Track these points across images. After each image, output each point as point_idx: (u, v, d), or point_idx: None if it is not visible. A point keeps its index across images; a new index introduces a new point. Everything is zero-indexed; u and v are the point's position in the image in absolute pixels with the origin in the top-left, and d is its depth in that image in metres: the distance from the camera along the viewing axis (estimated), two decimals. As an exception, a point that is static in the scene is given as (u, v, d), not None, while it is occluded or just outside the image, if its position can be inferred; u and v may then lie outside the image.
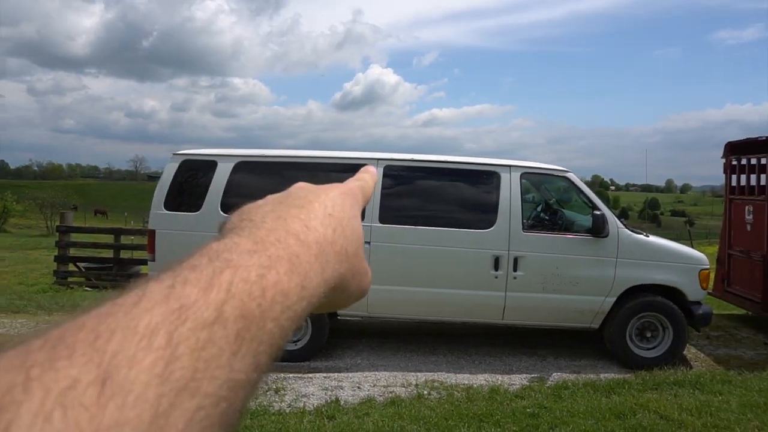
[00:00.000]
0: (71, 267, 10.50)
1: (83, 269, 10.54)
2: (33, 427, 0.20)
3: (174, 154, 5.82)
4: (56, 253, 10.39)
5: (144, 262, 8.63)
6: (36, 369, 0.22)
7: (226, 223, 0.37)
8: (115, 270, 10.42)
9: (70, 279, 10.27)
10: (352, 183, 0.47)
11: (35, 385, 0.21)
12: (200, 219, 5.52)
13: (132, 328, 0.25)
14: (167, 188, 5.63)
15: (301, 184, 0.45)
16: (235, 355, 0.27)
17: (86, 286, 10.01)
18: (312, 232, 0.36)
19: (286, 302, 0.31)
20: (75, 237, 10.75)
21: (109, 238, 10.78)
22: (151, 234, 5.60)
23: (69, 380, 0.22)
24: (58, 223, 10.62)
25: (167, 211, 5.58)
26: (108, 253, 10.65)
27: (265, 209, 0.37)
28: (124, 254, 10.53)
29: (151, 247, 5.60)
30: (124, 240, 11.03)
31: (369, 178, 0.50)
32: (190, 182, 5.68)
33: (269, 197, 0.41)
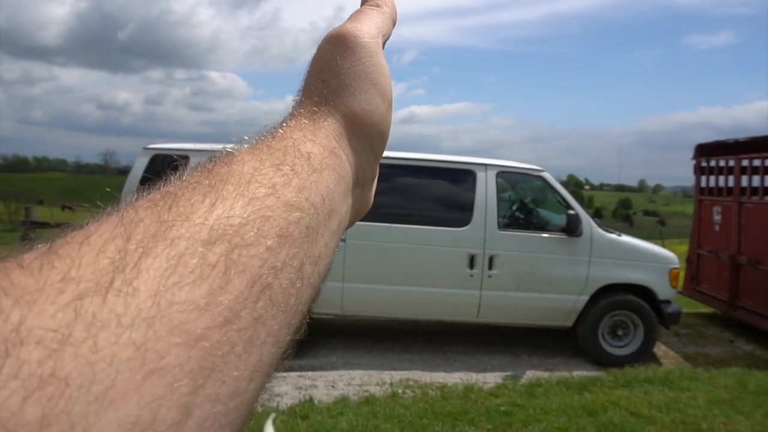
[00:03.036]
0: (36, 263, 10.19)
1: (49, 265, 10.24)
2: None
3: (144, 148, 5.66)
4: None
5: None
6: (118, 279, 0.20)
7: (312, 73, 0.36)
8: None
9: (35, 275, 9.96)
10: (375, 16, 0.39)
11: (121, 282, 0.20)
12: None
13: (228, 215, 0.24)
14: (137, 183, 5.47)
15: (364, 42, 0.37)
16: (304, 257, 0.27)
17: (52, 283, 9.73)
18: (344, 101, 0.35)
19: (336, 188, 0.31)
20: (41, 233, 10.42)
21: (76, 234, 10.47)
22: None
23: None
24: (22, 218, 10.27)
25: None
26: (75, 249, 10.34)
27: (343, 77, 0.35)
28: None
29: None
30: (93, 236, 10.75)
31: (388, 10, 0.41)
32: (162, 178, 5.53)
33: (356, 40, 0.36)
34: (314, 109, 0.34)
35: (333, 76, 0.35)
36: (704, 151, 8.08)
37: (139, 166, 5.53)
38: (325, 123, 0.33)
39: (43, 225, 10.81)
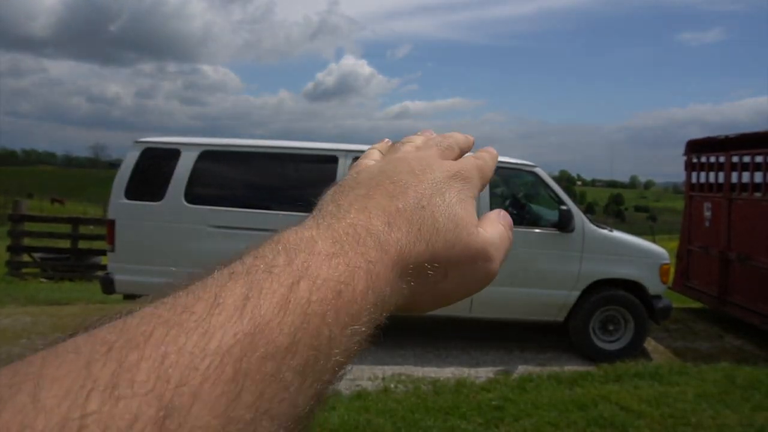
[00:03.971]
0: (26, 257, 10.09)
1: (38, 260, 10.14)
2: None
3: (135, 141, 5.61)
4: (9, 243, 9.96)
5: (103, 252, 8.34)
6: (95, 399, 0.18)
7: (325, 194, 0.34)
8: (73, 260, 10.06)
9: (24, 270, 9.87)
10: (469, 161, 0.39)
11: (92, 422, 0.18)
12: (163, 208, 5.35)
13: (201, 350, 0.21)
14: (128, 177, 5.43)
15: (407, 155, 0.37)
16: (300, 388, 0.23)
17: (42, 278, 9.64)
18: (394, 233, 0.30)
19: (356, 325, 0.26)
20: (30, 226, 10.30)
21: (66, 228, 10.38)
22: (111, 224, 5.40)
23: (129, 417, 0.18)
24: (10, 212, 10.15)
25: (128, 201, 5.38)
26: (65, 243, 10.26)
27: (357, 191, 0.33)
28: (83, 244, 10.17)
29: (110, 238, 5.40)
30: (83, 230, 10.65)
31: (489, 159, 0.42)
32: (153, 171, 5.49)
33: (370, 166, 0.36)
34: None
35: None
36: (695, 147, 8.12)
37: (130, 159, 5.48)
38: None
39: (32, 218, 10.70)
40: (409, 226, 0.31)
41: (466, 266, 0.35)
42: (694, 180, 8.10)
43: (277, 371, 0.22)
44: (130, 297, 5.77)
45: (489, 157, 0.43)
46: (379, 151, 0.41)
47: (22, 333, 5.65)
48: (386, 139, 0.43)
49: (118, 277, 5.34)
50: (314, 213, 0.32)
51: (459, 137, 0.43)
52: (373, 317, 0.28)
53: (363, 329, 0.27)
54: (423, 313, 0.35)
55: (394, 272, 0.30)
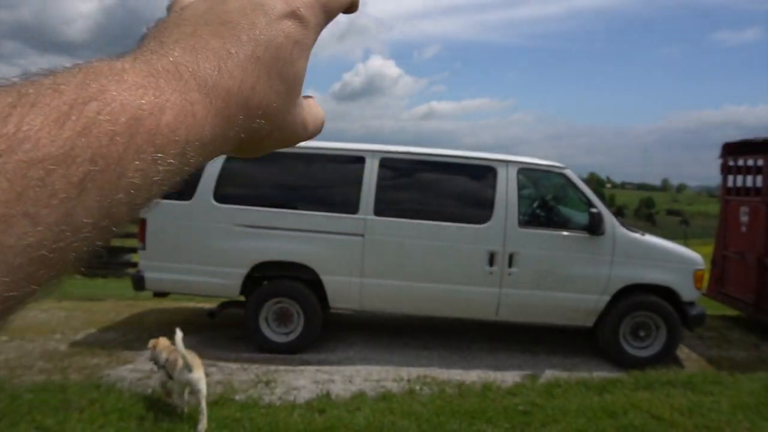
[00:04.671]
0: (61, 254, 10.38)
1: (73, 256, 10.42)
2: None
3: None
4: (46, 240, 10.27)
5: (134, 250, 8.53)
6: None
7: (151, 27, 0.32)
8: (105, 258, 10.32)
9: (59, 266, 10.16)
10: None
11: None
12: (193, 208, 5.44)
13: None
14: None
15: None
16: (78, 199, 0.24)
17: (75, 274, 9.90)
18: (224, 79, 0.30)
19: (159, 153, 0.27)
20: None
21: (100, 226, 10.65)
22: (142, 222, 5.51)
23: None
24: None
25: (159, 199, 5.48)
26: (99, 241, 10.52)
27: (183, 29, 0.31)
28: (115, 242, 10.42)
29: (141, 236, 5.52)
30: (116, 227, 10.91)
31: None
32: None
33: (196, 2, 0.34)
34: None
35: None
36: (731, 150, 7.88)
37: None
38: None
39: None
40: (243, 76, 0.31)
41: (289, 131, 0.36)
42: (730, 183, 7.87)
43: (45, 177, 0.23)
44: (160, 294, 5.89)
45: None
46: None
47: (57, 327, 5.82)
48: None
49: (148, 275, 5.45)
50: (133, 48, 0.31)
51: None
52: (188, 155, 0.29)
53: (170, 161, 0.28)
54: (241, 156, 0.37)
55: (220, 118, 0.30)
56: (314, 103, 0.39)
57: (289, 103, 0.34)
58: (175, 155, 0.28)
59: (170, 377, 3.79)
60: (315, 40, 0.35)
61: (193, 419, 3.72)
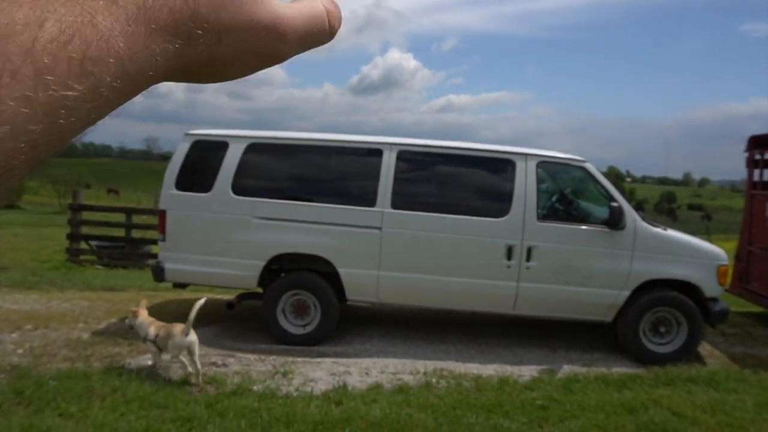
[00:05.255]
0: (83, 245, 10.57)
1: (95, 247, 10.61)
2: None
3: (185, 134, 5.77)
4: (69, 231, 10.46)
5: (155, 241, 8.65)
6: None
7: None
8: (127, 249, 10.48)
9: (81, 257, 10.36)
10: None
11: None
12: (211, 200, 5.48)
13: None
14: (178, 168, 5.59)
15: None
16: None
17: (97, 264, 10.08)
18: None
19: (51, 78, 0.24)
20: (87, 215, 10.80)
21: (120, 217, 10.82)
22: (162, 214, 5.58)
23: None
24: (70, 201, 10.65)
25: (178, 192, 5.54)
26: (120, 232, 10.70)
27: None
28: (136, 233, 10.57)
29: (161, 227, 5.58)
30: (136, 219, 11.07)
31: None
32: (202, 163, 5.63)
33: None
34: None
35: None
36: (758, 143, 7.68)
37: (181, 151, 5.63)
38: None
39: (89, 208, 11.20)
40: None
41: (247, 34, 0.31)
42: (756, 178, 7.68)
43: None
44: (179, 285, 5.96)
45: None
46: None
47: (79, 317, 5.93)
48: None
49: (168, 266, 5.52)
50: None
51: None
52: (100, 75, 0.25)
53: (69, 83, 0.25)
54: (206, 81, 0.32)
55: (133, 27, 0.26)
56: (309, 0, 0.34)
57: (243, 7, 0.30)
58: (76, 76, 0.25)
59: (160, 349, 4.29)
60: None
61: (212, 408, 3.78)
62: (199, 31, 0.29)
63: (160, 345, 4.29)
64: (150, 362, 4.48)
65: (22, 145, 0.24)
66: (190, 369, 4.28)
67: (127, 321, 4.59)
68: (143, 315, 4.40)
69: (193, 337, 4.21)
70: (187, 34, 0.29)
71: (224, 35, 0.30)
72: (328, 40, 0.35)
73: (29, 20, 0.24)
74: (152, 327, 4.32)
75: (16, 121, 0.24)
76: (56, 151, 0.26)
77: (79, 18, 0.25)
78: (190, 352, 4.24)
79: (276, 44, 0.32)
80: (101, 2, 0.26)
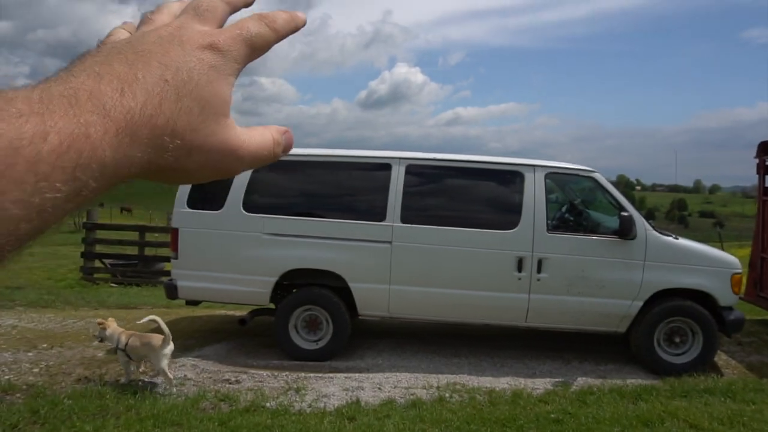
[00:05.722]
0: (97, 263, 10.68)
1: (109, 266, 10.71)
2: None
3: (197, 152, 5.83)
4: (83, 250, 10.58)
5: (168, 259, 8.73)
6: None
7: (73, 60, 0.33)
8: (140, 267, 10.57)
9: (96, 275, 10.45)
10: (228, 31, 0.36)
11: None
12: (222, 217, 5.54)
13: None
14: (190, 187, 5.66)
15: (159, 24, 0.36)
16: None
17: (112, 283, 10.17)
18: (126, 100, 0.30)
19: (42, 182, 0.27)
20: (101, 234, 10.93)
21: (134, 235, 10.93)
22: (175, 232, 5.64)
23: None
24: (84, 220, 10.79)
25: (190, 210, 5.61)
26: (133, 250, 10.80)
27: (96, 59, 0.32)
28: (149, 251, 10.67)
29: (174, 245, 5.64)
30: (149, 237, 11.18)
31: (258, 28, 0.37)
32: (213, 181, 5.69)
33: (119, 39, 0.35)
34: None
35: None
36: (768, 149, 7.62)
37: (192, 170, 5.70)
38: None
39: (103, 226, 11.33)
40: (147, 97, 0.31)
41: (216, 154, 0.35)
42: (767, 184, 7.61)
43: None
44: (192, 303, 6.01)
45: (258, 27, 0.37)
46: (128, 31, 0.38)
47: (94, 335, 5.97)
48: (130, 21, 0.40)
49: (180, 283, 5.57)
50: (45, 78, 0.31)
51: None
52: (84, 179, 0.29)
53: (58, 186, 0.28)
54: (170, 183, 0.37)
55: (120, 138, 0.30)
56: (262, 131, 0.39)
57: (205, 121, 0.34)
58: (65, 181, 0.28)
59: (129, 357, 4.47)
60: (237, 69, 0.36)
61: (225, 425, 3.79)
62: (173, 146, 0.33)
63: (130, 354, 4.43)
64: (123, 380, 4.57)
65: (13, 239, 0.27)
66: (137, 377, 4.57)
67: (96, 334, 4.69)
68: (113, 326, 4.53)
69: (171, 345, 4.42)
70: (163, 146, 0.33)
71: (195, 152, 0.34)
72: (272, 162, 0.41)
73: (35, 133, 0.27)
74: (123, 336, 4.45)
75: (11, 222, 0.27)
76: (37, 238, 0.30)
77: (75, 130, 0.28)
78: (168, 359, 4.43)
79: (235, 164, 0.38)
80: (95, 116, 0.29)
